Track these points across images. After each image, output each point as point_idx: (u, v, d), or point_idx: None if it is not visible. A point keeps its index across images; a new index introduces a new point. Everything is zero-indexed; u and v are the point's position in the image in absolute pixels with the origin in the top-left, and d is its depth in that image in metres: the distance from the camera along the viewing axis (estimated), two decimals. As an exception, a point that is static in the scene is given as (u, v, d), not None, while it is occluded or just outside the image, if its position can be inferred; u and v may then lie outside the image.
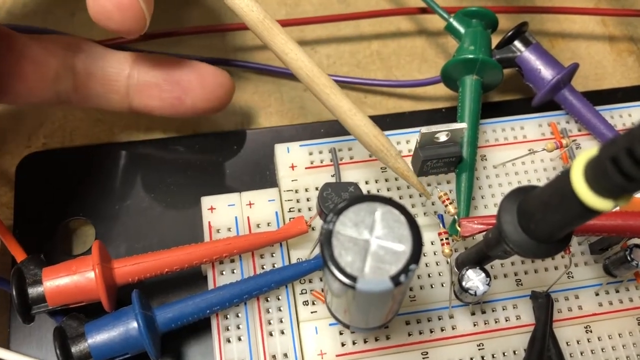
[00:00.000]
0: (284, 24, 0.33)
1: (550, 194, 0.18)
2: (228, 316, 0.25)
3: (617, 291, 0.27)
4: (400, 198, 0.28)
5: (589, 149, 0.16)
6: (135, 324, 0.23)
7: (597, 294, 0.26)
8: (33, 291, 0.24)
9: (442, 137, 0.26)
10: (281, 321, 0.25)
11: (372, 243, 0.18)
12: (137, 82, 0.27)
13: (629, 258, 0.24)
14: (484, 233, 0.23)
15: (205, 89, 0.28)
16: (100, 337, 0.23)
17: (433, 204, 0.27)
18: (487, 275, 0.23)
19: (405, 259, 0.18)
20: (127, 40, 0.31)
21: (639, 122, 0.14)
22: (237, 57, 0.33)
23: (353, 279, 0.17)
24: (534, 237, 0.19)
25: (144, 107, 0.28)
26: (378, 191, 0.28)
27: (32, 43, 0.26)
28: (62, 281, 0.24)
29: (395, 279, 0.17)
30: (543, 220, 0.18)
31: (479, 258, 0.23)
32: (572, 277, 0.27)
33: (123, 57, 0.27)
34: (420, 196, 0.28)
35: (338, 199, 0.23)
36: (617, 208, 0.19)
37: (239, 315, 0.25)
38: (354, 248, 0.18)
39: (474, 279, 0.23)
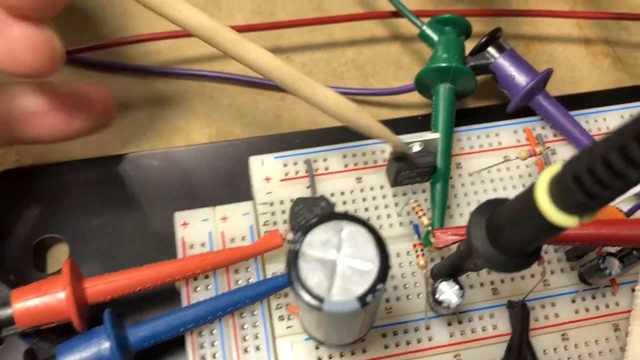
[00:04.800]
0: (259, 28, 0.33)
1: (516, 209, 0.17)
2: (203, 333, 0.25)
3: (594, 297, 0.27)
4: (375, 208, 0.28)
5: (552, 165, 0.15)
6: (107, 344, 0.23)
7: (573, 301, 0.26)
8: (2, 313, 0.23)
9: (416, 147, 0.26)
10: (257, 337, 0.25)
11: (340, 263, 0.18)
12: (19, 114, 0.26)
13: (602, 267, 0.24)
14: (457, 244, 0.23)
15: (91, 109, 0.27)
16: (72, 358, 0.23)
17: (408, 214, 0.27)
18: (461, 287, 0.23)
19: (372, 279, 0.17)
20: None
21: (599, 139, 0.14)
22: (211, 68, 0.33)
23: (320, 300, 0.17)
24: (504, 251, 0.19)
25: (31, 138, 0.27)
26: (354, 201, 0.28)
27: None
28: (31, 303, 0.23)
29: (362, 300, 0.17)
30: (511, 235, 0.18)
31: (452, 270, 0.23)
32: (549, 285, 0.27)
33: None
34: (396, 205, 0.28)
35: (309, 214, 0.23)
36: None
37: (214, 332, 0.25)
38: (321, 268, 0.18)
39: (448, 291, 0.23)
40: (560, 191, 0.15)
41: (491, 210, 0.19)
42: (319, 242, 0.18)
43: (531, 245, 0.18)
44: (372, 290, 0.17)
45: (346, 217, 0.18)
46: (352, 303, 0.17)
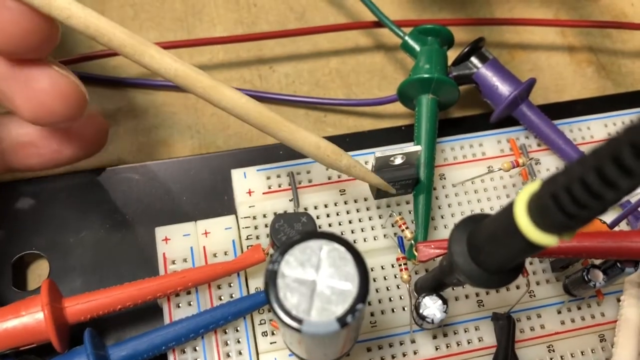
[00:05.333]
0: (241, 39, 0.33)
1: (496, 227, 0.17)
2: (185, 350, 0.25)
3: (579, 308, 0.27)
4: (359, 220, 0.27)
5: (531, 183, 0.15)
6: (87, 365, 0.23)
7: (559, 312, 0.26)
8: (-21, 335, 0.23)
9: (398, 160, 0.25)
10: (240, 353, 0.25)
11: (319, 283, 0.17)
12: (11, 144, 0.26)
13: (586, 279, 0.24)
14: (440, 259, 0.23)
15: (83, 138, 0.27)
16: (51, 379, 0.23)
17: (393, 226, 0.27)
18: (444, 302, 0.23)
19: (352, 299, 0.17)
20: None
21: (576, 159, 0.14)
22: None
23: (299, 321, 0.17)
24: (485, 267, 0.18)
25: (23, 167, 0.27)
26: (338, 214, 0.27)
27: None
28: (9, 324, 0.23)
29: (341, 320, 0.17)
30: (492, 252, 0.18)
31: (435, 284, 0.23)
32: (534, 296, 0.26)
33: None
34: (380, 217, 0.27)
35: (290, 230, 0.23)
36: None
37: (197, 349, 0.25)
38: (300, 289, 0.17)
39: (431, 306, 0.23)
40: (539, 210, 0.15)
41: (472, 226, 0.19)
42: (297, 262, 0.18)
43: (512, 262, 0.18)
44: (351, 310, 0.17)
45: (325, 235, 0.18)
46: (332, 324, 0.17)
